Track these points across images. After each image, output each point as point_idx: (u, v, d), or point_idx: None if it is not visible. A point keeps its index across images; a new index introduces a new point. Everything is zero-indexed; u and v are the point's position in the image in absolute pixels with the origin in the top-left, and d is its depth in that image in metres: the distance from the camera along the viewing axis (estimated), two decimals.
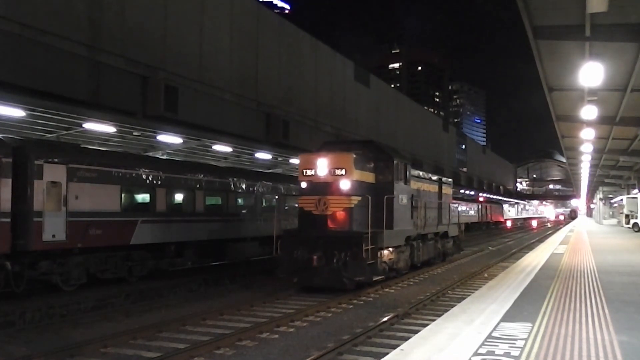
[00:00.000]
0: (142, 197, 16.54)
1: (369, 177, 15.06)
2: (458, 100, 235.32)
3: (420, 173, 19.00)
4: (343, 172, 14.11)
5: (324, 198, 14.13)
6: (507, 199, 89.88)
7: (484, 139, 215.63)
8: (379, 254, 14.12)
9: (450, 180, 23.51)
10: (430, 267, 19.61)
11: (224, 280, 16.74)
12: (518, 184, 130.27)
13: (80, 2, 13.80)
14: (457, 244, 23.34)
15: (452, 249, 22.79)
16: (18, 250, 12.53)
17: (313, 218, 14.21)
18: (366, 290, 14.04)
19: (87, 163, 14.23)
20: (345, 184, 14.08)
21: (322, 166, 14.31)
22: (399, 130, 38.72)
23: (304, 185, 14.61)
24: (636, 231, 39.71)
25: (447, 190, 22.21)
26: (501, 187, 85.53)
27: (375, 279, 14.03)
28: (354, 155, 14.41)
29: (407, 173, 16.48)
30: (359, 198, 14.16)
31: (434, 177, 20.79)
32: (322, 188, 14.23)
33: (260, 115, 20.61)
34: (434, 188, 20.25)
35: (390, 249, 15.17)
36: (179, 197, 17.75)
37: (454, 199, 51.40)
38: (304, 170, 14.59)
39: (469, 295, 11.45)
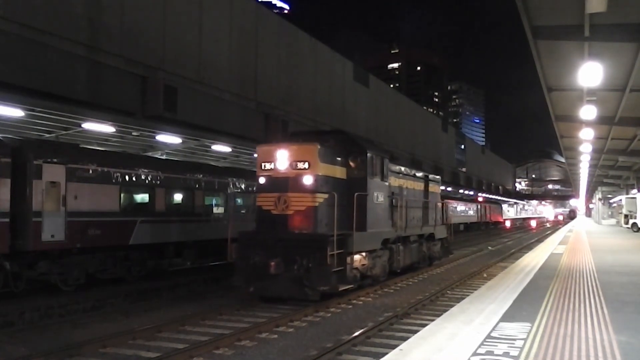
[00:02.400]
0: (142, 197, 16.53)
1: (339, 172, 13.42)
2: (457, 100, 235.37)
3: (403, 169, 17.25)
4: (306, 165, 12.43)
5: (284, 195, 12.47)
6: (506, 199, 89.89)
7: (483, 139, 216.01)
8: (348, 259, 12.50)
9: (438, 177, 22.08)
10: (417, 271, 18.23)
11: (222, 281, 16.75)
12: (517, 184, 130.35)
13: (80, 2, 13.78)
14: (445, 246, 21.55)
15: (440, 253, 20.90)
16: (17, 250, 12.53)
17: (272, 218, 12.55)
18: (365, 290, 13.99)
19: (86, 163, 14.22)
20: (308, 179, 12.38)
21: (282, 159, 12.63)
22: (398, 131, 38.72)
23: (262, 181, 12.92)
24: (635, 231, 39.74)
25: (435, 188, 20.67)
26: (500, 187, 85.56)
27: (342, 288, 12.20)
28: (319, 147, 12.64)
29: (385, 168, 14.75)
30: (326, 195, 12.55)
31: (419, 174, 19.14)
32: (283, 184, 12.56)
33: (260, 115, 20.59)
34: (419, 186, 18.75)
35: (363, 254, 13.56)
36: (178, 197, 17.75)
37: (453, 199, 51.70)
38: (263, 164, 12.91)
39: (468, 295, 11.45)
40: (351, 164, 13.71)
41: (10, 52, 12.25)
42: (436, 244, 20.26)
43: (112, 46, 14.55)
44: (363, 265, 13.64)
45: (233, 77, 19.27)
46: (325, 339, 9.25)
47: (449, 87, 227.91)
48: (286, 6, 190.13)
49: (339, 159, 13.51)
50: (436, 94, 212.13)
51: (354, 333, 9.44)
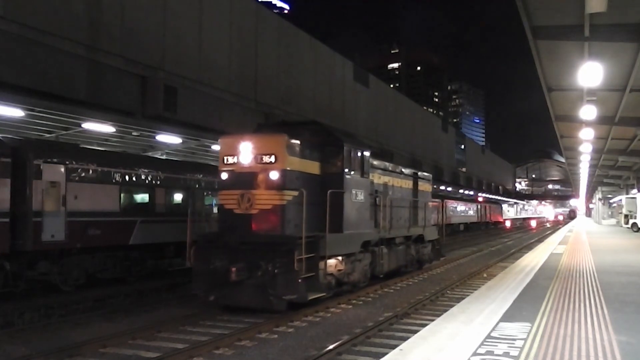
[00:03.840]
0: (142, 197, 16.53)
1: (311, 167, 12.19)
2: (457, 100, 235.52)
3: (389, 165, 16.09)
4: (272, 159, 11.23)
5: (247, 193, 11.23)
6: (506, 199, 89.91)
7: (483, 139, 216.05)
8: (321, 264, 11.27)
9: (429, 175, 20.56)
10: (405, 276, 16.85)
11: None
12: (517, 184, 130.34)
13: (80, 2, 13.79)
14: (436, 249, 20.11)
15: (430, 255, 19.47)
16: (17, 250, 12.53)
17: (235, 218, 11.37)
18: (365, 290, 13.99)
19: (86, 163, 14.22)
20: (274, 175, 11.20)
21: (246, 152, 11.42)
22: (398, 131, 38.73)
23: (224, 176, 11.78)
24: (635, 231, 39.74)
25: (425, 186, 19.27)
26: (500, 187, 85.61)
27: (312, 297, 10.91)
28: (287, 138, 11.42)
29: (365, 163, 13.47)
30: (295, 193, 11.25)
31: (407, 171, 17.78)
32: (246, 180, 11.35)
33: (260, 115, 20.60)
34: (407, 184, 17.41)
35: (339, 258, 12.32)
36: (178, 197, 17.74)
37: (453, 199, 51.69)
38: (225, 158, 11.76)
39: (468, 295, 11.46)
40: (326, 158, 12.49)
41: (10, 52, 12.26)
42: (426, 246, 18.92)
43: (112, 46, 14.56)
44: (339, 270, 12.40)
45: (233, 77, 19.28)
46: (325, 339, 9.25)
47: (449, 87, 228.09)
48: (286, 6, 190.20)
49: (312, 152, 12.25)
50: (436, 94, 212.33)
51: (353, 333, 9.45)
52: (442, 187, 49.47)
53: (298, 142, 11.80)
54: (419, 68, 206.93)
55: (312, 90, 25.37)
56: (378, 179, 14.83)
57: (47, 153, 13.31)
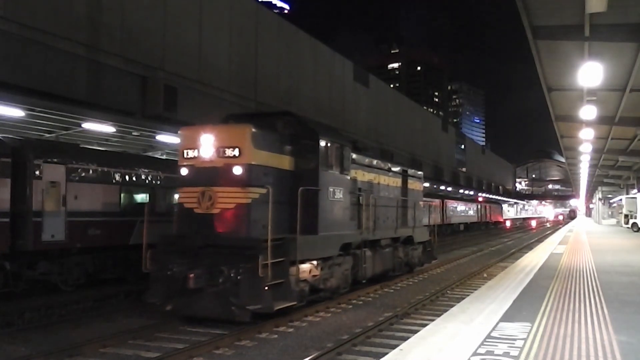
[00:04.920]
0: (142, 197, 16.51)
1: (283, 162, 11.18)
2: (457, 100, 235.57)
3: (374, 162, 15.06)
4: (236, 152, 10.18)
5: (209, 190, 10.21)
6: (506, 199, 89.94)
7: (483, 139, 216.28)
8: (292, 269, 10.24)
9: (420, 173, 19.36)
10: (392, 280, 15.70)
11: None
12: (517, 184, 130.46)
13: (80, 2, 13.80)
14: (427, 250, 18.96)
15: (421, 258, 18.36)
16: (17, 250, 12.53)
17: (195, 219, 10.34)
18: (365, 290, 13.99)
19: (87, 163, 14.22)
20: (238, 170, 10.13)
21: (207, 145, 10.35)
22: (398, 131, 38.76)
23: (184, 172, 10.71)
24: (635, 231, 39.74)
25: (416, 185, 18.27)
26: (500, 187, 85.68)
27: (280, 307, 9.79)
28: (254, 130, 10.35)
29: (345, 159, 12.47)
30: (263, 190, 10.16)
31: (396, 169, 16.72)
32: (207, 176, 10.33)
33: None
34: (395, 182, 16.42)
35: (314, 262, 11.21)
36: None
37: (453, 199, 51.72)
38: (185, 151, 10.71)
39: (468, 295, 11.45)
40: (300, 152, 11.47)
41: (10, 52, 12.27)
42: (416, 248, 17.80)
43: (112, 46, 14.57)
44: (314, 276, 11.28)
45: (233, 77, 19.29)
46: (325, 339, 9.25)
47: (449, 87, 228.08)
48: (286, 6, 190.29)
49: (284, 146, 11.26)
50: (436, 93, 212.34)
51: (353, 333, 9.45)
52: (442, 187, 49.50)
53: (267, 134, 10.84)
54: (419, 68, 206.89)
55: (312, 90, 25.38)
56: (362, 176, 13.92)
57: (47, 153, 13.31)
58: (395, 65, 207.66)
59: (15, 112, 13.16)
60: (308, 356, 8.13)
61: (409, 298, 13.49)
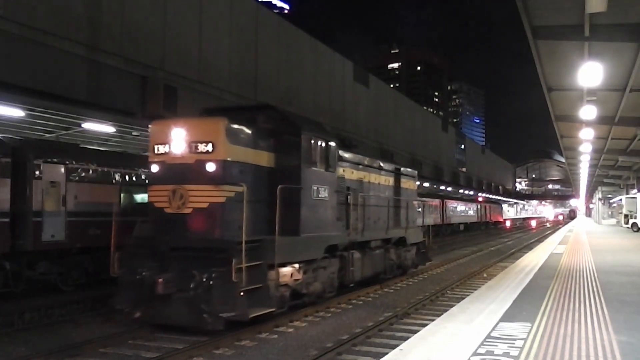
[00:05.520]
0: (142, 197, 16.51)
1: (262, 158, 10.50)
2: (457, 100, 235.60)
3: (364, 159, 14.34)
4: (209, 147, 9.49)
5: (180, 188, 9.51)
6: (506, 199, 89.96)
7: (483, 139, 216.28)
8: (271, 274, 9.60)
9: (414, 172, 18.53)
10: (383, 283, 14.90)
11: None
12: (517, 184, 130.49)
13: (80, 2, 13.81)
14: (422, 252, 18.23)
15: (415, 260, 17.65)
16: (17, 250, 12.53)
17: (166, 219, 9.65)
18: (365, 290, 13.97)
19: (86, 163, 14.21)
20: (211, 167, 9.45)
21: (178, 139, 9.66)
22: (398, 131, 38.78)
23: (154, 169, 10.02)
24: (635, 231, 39.75)
25: (409, 184, 17.49)
26: (500, 187, 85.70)
27: (256, 314, 9.12)
28: (228, 123, 9.67)
29: (330, 155, 11.84)
30: (239, 189, 9.40)
31: (388, 167, 15.98)
32: (179, 173, 9.63)
33: None
34: (388, 180, 15.71)
35: (296, 266, 10.56)
36: None
37: (452, 199, 51.73)
38: (155, 147, 10.00)
39: (468, 295, 11.45)
40: (282, 148, 10.81)
41: (10, 52, 12.27)
42: (409, 249, 17.09)
43: (112, 46, 14.58)
44: (296, 280, 10.60)
45: (233, 77, 19.29)
46: (325, 339, 9.26)
47: (449, 87, 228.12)
48: (286, 6, 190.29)
49: (264, 141, 10.57)
50: (436, 93, 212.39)
51: (353, 333, 9.45)
52: (442, 187, 49.52)
53: (244, 128, 10.13)
54: (419, 68, 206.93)
55: (312, 90, 25.39)
56: (351, 174, 13.30)
57: (47, 153, 13.31)
58: (395, 65, 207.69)
59: (15, 112, 13.16)
60: (308, 356, 8.13)
61: (408, 298, 13.49)
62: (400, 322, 10.74)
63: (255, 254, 9.22)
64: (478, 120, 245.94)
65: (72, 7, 13.55)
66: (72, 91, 13.65)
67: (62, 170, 13.43)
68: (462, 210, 54.59)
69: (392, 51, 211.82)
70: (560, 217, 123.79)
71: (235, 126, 9.93)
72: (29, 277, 13.14)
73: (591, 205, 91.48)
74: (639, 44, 12.97)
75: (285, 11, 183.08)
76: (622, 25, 12.21)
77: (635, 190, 43.33)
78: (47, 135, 16.55)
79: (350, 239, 12.77)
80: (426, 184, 43.62)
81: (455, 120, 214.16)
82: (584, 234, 36.62)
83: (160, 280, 8.93)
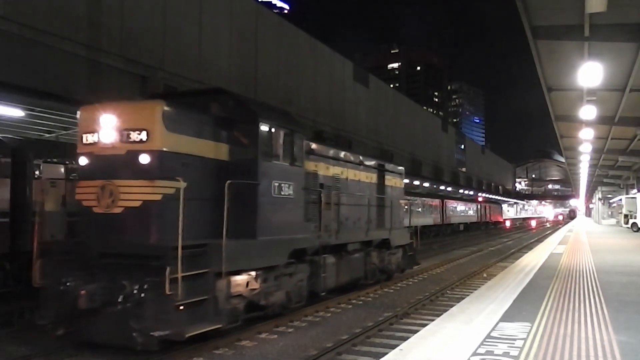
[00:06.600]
0: None
1: (212, 150, 9.14)
2: (457, 100, 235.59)
3: (341, 154, 13.14)
4: (143, 136, 8.04)
5: (110, 184, 8.12)
6: (506, 199, 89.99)
7: (483, 139, 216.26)
8: (220, 284, 8.32)
9: (400, 168, 17.12)
10: (368, 289, 13.88)
11: None
12: (517, 184, 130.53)
13: (80, 2, 13.81)
14: (408, 255, 16.82)
15: (401, 263, 16.36)
16: (17, 250, 12.51)
17: (94, 220, 8.27)
18: (365, 290, 13.94)
19: None
20: (145, 158, 8.01)
21: (108, 127, 8.19)
22: (398, 131, 38.77)
23: (82, 161, 8.61)
24: (635, 231, 39.75)
25: (395, 182, 16.26)
26: (500, 187, 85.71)
27: (196, 332, 7.74)
28: (166, 108, 8.22)
29: (296, 147, 10.52)
30: (180, 184, 7.89)
31: (370, 162, 14.74)
32: (109, 166, 8.23)
33: None
34: (369, 177, 14.51)
35: (252, 273, 9.22)
36: None
37: (452, 199, 51.76)
38: (84, 136, 8.58)
39: (467, 295, 11.46)
40: (237, 139, 9.52)
41: (10, 52, 12.27)
42: (394, 252, 15.75)
43: (112, 46, 14.57)
44: (252, 290, 9.27)
45: (233, 77, 19.29)
46: (325, 339, 9.26)
47: (448, 87, 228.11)
48: (286, 6, 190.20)
49: (215, 130, 9.22)
50: (436, 93, 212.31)
51: (353, 333, 9.45)
52: (442, 187, 49.54)
53: (188, 114, 8.87)
54: (419, 68, 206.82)
55: (312, 90, 25.39)
56: (325, 170, 12.12)
57: (47, 153, 13.30)
58: (395, 65, 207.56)
59: (15, 112, 13.16)
60: (308, 356, 8.13)
61: (408, 298, 13.49)
62: (400, 322, 10.75)
63: (200, 261, 7.94)
64: (478, 120, 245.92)
65: (72, 8, 13.55)
66: (72, 91, 13.64)
67: (62, 170, 13.43)
68: (462, 210, 54.61)
69: (392, 51, 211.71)
70: (560, 217, 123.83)
71: (176, 111, 8.46)
72: (29, 277, 13.10)
73: (591, 205, 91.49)
74: (639, 44, 12.98)
75: (285, 11, 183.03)
76: (622, 25, 12.22)
77: (635, 190, 43.34)
78: (47, 135, 16.55)
79: (321, 242, 11.45)
80: (426, 184, 43.65)
81: (455, 120, 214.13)
82: (583, 234, 36.62)
83: (83, 292, 7.58)
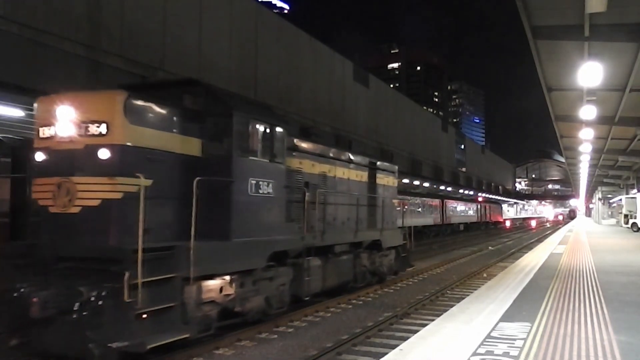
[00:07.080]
0: None
1: (183, 145, 8.45)
2: (457, 100, 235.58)
3: (328, 151, 12.53)
4: (103, 129, 7.38)
5: (66, 181, 7.47)
6: (506, 199, 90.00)
7: (483, 139, 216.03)
8: (190, 290, 7.76)
9: (393, 167, 16.44)
10: (358, 292, 13.37)
11: None
12: (517, 184, 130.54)
13: (80, 2, 13.81)
14: (401, 257, 16.14)
15: (394, 265, 15.75)
16: None
17: (51, 220, 7.61)
18: (365, 290, 13.94)
19: None
20: (105, 153, 7.33)
21: (65, 118, 7.52)
22: (398, 131, 38.78)
23: (39, 157, 7.85)
24: (635, 231, 39.76)
25: (387, 180, 15.53)
26: (500, 187, 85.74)
27: (158, 343, 6.99)
28: (129, 99, 7.54)
29: (277, 143, 9.85)
30: (144, 182, 7.26)
31: (360, 160, 14.11)
32: (65, 162, 7.54)
33: None
34: (359, 176, 13.87)
35: (226, 278, 8.65)
36: None
37: (452, 199, 51.77)
38: (41, 129, 7.85)
39: (468, 295, 11.45)
40: (211, 133, 8.87)
41: (10, 52, 12.27)
42: (386, 254, 15.15)
43: (112, 46, 14.58)
44: (227, 295, 8.68)
45: (233, 77, 19.29)
46: (325, 339, 9.26)
47: (448, 87, 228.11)
48: (286, 6, 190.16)
49: (186, 124, 8.52)
50: (436, 93, 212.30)
51: (353, 333, 9.45)
52: (442, 187, 49.55)
53: (155, 106, 8.06)
54: (419, 68, 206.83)
55: (312, 90, 25.39)
56: (310, 167, 11.51)
57: None
58: (395, 65, 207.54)
59: (15, 112, 13.16)
60: (308, 356, 8.13)
61: (408, 298, 13.49)
62: (400, 322, 10.75)
63: (165, 264, 7.32)
64: (478, 120, 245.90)
65: (72, 8, 13.56)
66: (72, 91, 13.64)
67: None
68: (462, 210, 54.61)
69: (392, 51, 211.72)
70: (560, 217, 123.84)
71: (140, 103, 7.77)
72: None
73: (591, 205, 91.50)
74: (638, 44, 12.98)
75: (285, 11, 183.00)
76: (622, 25, 12.22)
77: (635, 190, 43.34)
78: None
79: (306, 244, 10.81)
80: (426, 184, 43.66)
81: (455, 120, 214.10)
82: (583, 234, 36.62)
83: (36, 299, 6.96)
